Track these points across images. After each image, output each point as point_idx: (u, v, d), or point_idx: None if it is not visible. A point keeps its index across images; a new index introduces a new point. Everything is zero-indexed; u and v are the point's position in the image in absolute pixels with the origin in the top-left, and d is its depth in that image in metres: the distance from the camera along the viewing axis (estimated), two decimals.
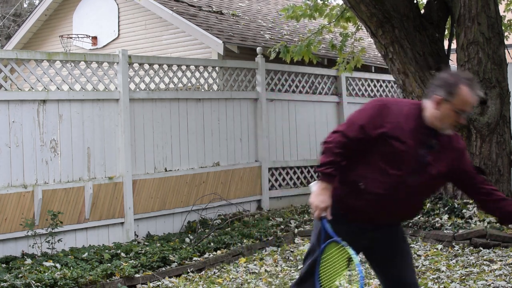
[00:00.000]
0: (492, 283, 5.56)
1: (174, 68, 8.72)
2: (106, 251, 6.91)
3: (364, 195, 3.24)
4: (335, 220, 3.24)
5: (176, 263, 6.66)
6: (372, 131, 3.19)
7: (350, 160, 3.27)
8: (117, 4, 12.61)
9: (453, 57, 9.83)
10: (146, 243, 7.45)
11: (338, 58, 10.48)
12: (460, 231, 7.19)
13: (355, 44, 10.88)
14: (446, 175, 3.32)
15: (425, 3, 9.21)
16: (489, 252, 6.74)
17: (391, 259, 3.41)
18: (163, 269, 6.53)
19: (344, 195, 3.28)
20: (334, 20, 10.15)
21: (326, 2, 10.20)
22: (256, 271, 6.62)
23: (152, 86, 8.36)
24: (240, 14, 12.68)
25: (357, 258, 3.13)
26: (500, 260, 6.36)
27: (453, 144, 3.33)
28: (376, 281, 5.79)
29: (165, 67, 8.46)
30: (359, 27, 10.58)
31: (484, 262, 6.31)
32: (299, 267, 6.61)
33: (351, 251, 3.14)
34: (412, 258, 3.50)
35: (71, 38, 13.00)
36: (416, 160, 3.21)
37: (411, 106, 3.29)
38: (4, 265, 6.27)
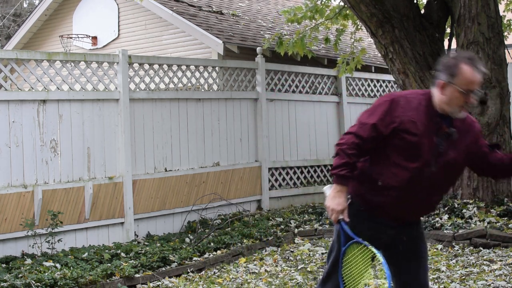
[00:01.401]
0: (492, 283, 5.56)
1: (174, 68, 8.72)
2: (106, 251, 6.91)
3: (384, 191, 3.22)
4: (357, 217, 3.24)
5: (176, 263, 6.66)
6: (384, 129, 3.17)
7: (366, 159, 3.27)
8: (117, 4, 12.61)
9: None
10: (146, 243, 7.45)
11: (338, 59, 10.48)
12: (460, 231, 7.19)
13: (355, 44, 10.87)
14: (464, 161, 3.29)
15: (425, 3, 9.21)
16: (489, 252, 6.74)
17: (408, 259, 3.37)
18: (163, 269, 6.53)
19: (364, 192, 3.27)
20: (332, 17, 10.15)
21: (326, 3, 10.18)
22: (256, 271, 6.62)
23: (152, 86, 8.36)
24: (240, 14, 12.69)
25: (381, 256, 3.09)
26: (500, 260, 6.36)
27: (469, 128, 3.29)
28: (376, 281, 5.79)
29: (165, 67, 8.46)
30: (359, 27, 10.58)
31: (484, 262, 6.31)
32: (299, 267, 6.61)
33: (375, 250, 3.11)
34: (427, 259, 3.46)
35: (71, 38, 13.00)
36: (432, 150, 3.18)
37: (419, 96, 3.26)
38: (4, 265, 6.27)
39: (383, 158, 3.23)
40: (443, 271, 6.07)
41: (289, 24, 10.56)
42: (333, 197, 3.19)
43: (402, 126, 3.16)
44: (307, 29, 10.03)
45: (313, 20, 10.16)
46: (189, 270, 6.60)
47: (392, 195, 3.22)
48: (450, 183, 3.42)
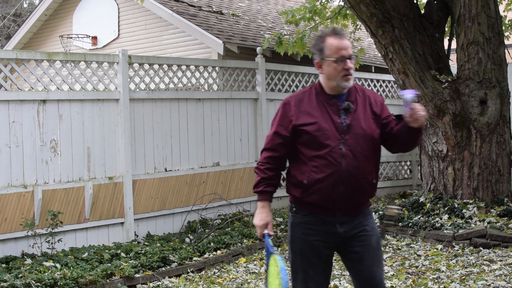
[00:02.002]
0: (492, 283, 5.56)
1: (174, 68, 8.72)
2: (106, 251, 6.91)
3: (312, 188, 3.28)
4: (303, 224, 3.35)
5: (176, 263, 6.66)
6: (286, 132, 3.33)
7: (288, 164, 3.41)
8: (117, 4, 12.61)
9: (453, 57, 9.84)
10: (146, 243, 7.46)
11: None
12: (460, 231, 7.19)
13: (354, 44, 10.87)
14: (374, 132, 3.32)
15: (425, 3, 9.22)
16: (489, 252, 6.74)
17: (360, 259, 3.37)
18: (163, 269, 6.53)
19: (299, 196, 3.35)
20: (332, 16, 10.14)
21: (324, 4, 10.17)
22: (256, 271, 6.62)
23: (152, 86, 8.36)
24: (240, 14, 12.69)
25: (280, 259, 3.20)
26: (500, 260, 6.36)
27: (370, 100, 3.36)
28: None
29: (165, 67, 8.46)
30: (358, 27, 10.58)
31: (484, 262, 6.31)
32: None
33: (278, 257, 3.22)
34: (380, 255, 3.44)
35: (71, 38, 13.01)
36: (336, 130, 3.26)
37: (309, 89, 3.40)
38: (4, 265, 6.27)
39: (300, 158, 3.33)
40: (443, 271, 6.07)
41: (289, 24, 10.56)
42: (257, 214, 3.39)
43: (299, 121, 3.29)
44: (306, 29, 10.02)
45: (312, 21, 10.15)
46: (189, 270, 6.60)
47: (321, 188, 3.27)
48: (370, 158, 3.33)
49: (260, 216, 3.37)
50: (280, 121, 3.36)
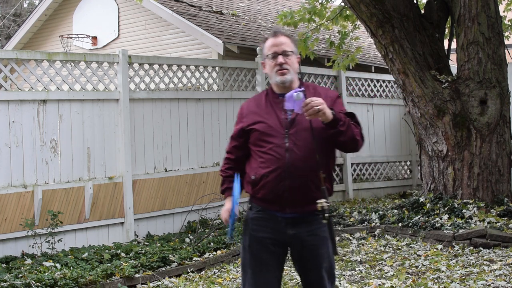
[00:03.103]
0: (492, 283, 5.56)
1: (174, 68, 8.72)
2: (106, 251, 6.91)
3: (260, 183, 3.36)
4: (256, 220, 3.43)
5: (176, 263, 6.66)
6: (241, 133, 3.47)
7: (245, 164, 3.51)
8: (117, 4, 12.61)
9: (453, 57, 9.84)
10: (146, 243, 7.46)
11: (333, 56, 10.48)
12: (460, 231, 7.19)
13: (351, 43, 10.86)
14: (321, 127, 3.26)
15: (425, 3, 9.22)
16: (489, 252, 6.74)
17: (307, 271, 3.37)
18: (163, 269, 6.53)
19: (252, 193, 3.45)
20: (332, 17, 10.14)
21: (324, 4, 10.16)
22: None
23: (152, 86, 8.36)
24: (240, 14, 12.69)
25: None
26: (500, 260, 6.36)
27: (321, 96, 3.34)
28: (376, 281, 5.79)
29: (165, 67, 8.46)
30: (357, 26, 10.58)
31: (484, 262, 6.31)
32: None
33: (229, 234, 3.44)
34: (331, 267, 3.39)
35: (71, 38, 13.01)
36: (281, 124, 3.34)
37: (262, 92, 3.56)
38: (4, 265, 6.27)
39: (251, 156, 3.45)
40: (443, 271, 6.07)
41: (287, 26, 10.54)
42: (223, 207, 3.54)
43: (248, 121, 3.43)
44: (308, 30, 10.01)
45: (312, 22, 10.14)
46: (189, 270, 6.60)
47: (267, 182, 3.33)
48: (317, 151, 3.26)
49: (226, 205, 3.50)
50: (236, 125, 3.54)
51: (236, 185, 3.38)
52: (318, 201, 3.22)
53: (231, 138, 3.56)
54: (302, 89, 3.23)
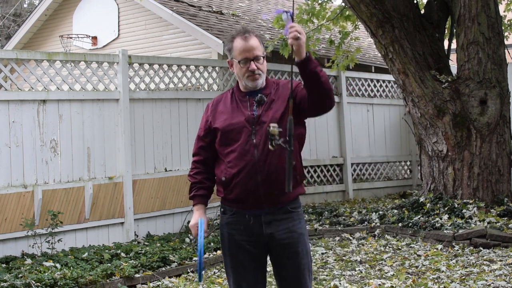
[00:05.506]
0: (492, 283, 5.56)
1: (174, 68, 8.72)
2: (106, 251, 6.91)
3: (231, 183, 3.30)
4: (230, 224, 3.36)
5: (176, 263, 6.66)
6: (207, 133, 3.41)
7: (213, 168, 3.43)
8: (117, 4, 12.61)
9: (453, 57, 9.84)
10: (146, 243, 7.46)
11: (333, 56, 10.47)
12: (460, 231, 7.19)
13: (350, 43, 10.85)
14: (285, 114, 3.23)
15: (425, 3, 9.22)
16: (489, 252, 6.74)
17: (286, 265, 3.34)
18: (163, 269, 6.53)
19: (224, 195, 3.38)
20: (333, 18, 10.13)
21: (323, 5, 10.14)
22: None
23: (152, 86, 8.36)
24: (240, 14, 12.69)
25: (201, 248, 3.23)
26: (500, 260, 6.36)
27: (284, 88, 3.34)
28: (376, 281, 5.79)
29: (165, 67, 8.46)
30: (357, 26, 10.58)
31: (484, 262, 6.31)
32: None
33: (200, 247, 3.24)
34: (308, 264, 3.36)
35: (71, 38, 13.00)
36: (247, 122, 3.28)
37: (228, 90, 3.45)
38: (4, 265, 6.27)
39: (219, 157, 3.38)
40: (443, 271, 6.07)
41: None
42: (192, 218, 3.43)
43: (213, 120, 3.37)
44: (309, 30, 10.00)
45: (311, 23, 10.11)
46: (189, 270, 6.60)
47: (238, 181, 3.27)
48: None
49: (194, 218, 3.40)
50: (201, 125, 3.46)
51: (201, 233, 3.28)
52: (271, 124, 3.14)
53: (197, 139, 3.47)
54: (290, 11, 3.17)
